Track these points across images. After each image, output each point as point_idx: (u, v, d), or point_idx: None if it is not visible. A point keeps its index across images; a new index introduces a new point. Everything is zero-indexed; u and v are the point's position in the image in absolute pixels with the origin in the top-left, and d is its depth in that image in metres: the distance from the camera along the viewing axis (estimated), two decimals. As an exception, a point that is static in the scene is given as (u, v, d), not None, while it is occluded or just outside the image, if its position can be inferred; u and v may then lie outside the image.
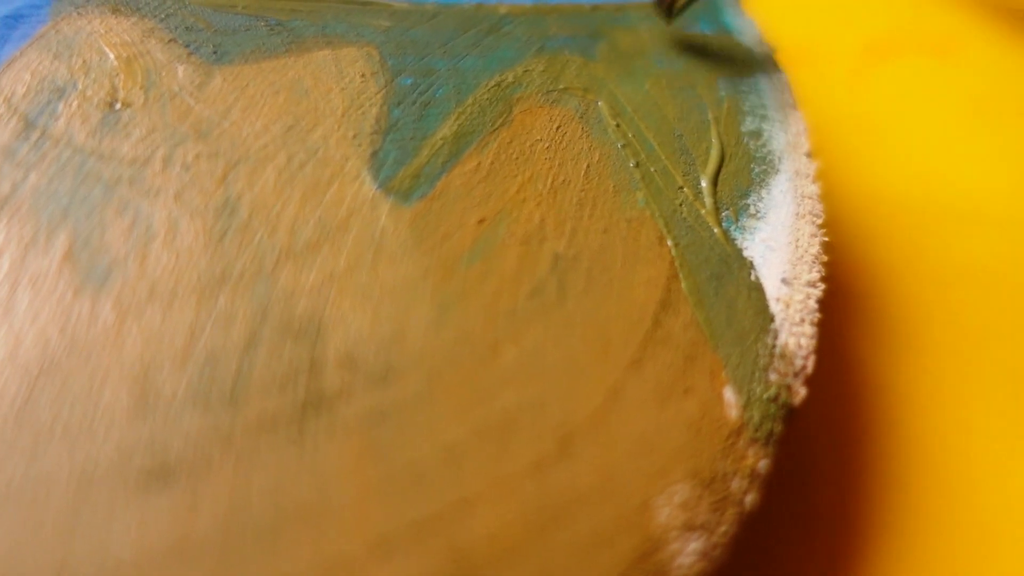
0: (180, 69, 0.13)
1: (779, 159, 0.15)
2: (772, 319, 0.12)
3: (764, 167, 0.14)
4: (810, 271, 0.13)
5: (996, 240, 0.18)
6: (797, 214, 0.14)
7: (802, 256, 0.13)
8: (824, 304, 0.13)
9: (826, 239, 0.14)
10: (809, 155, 0.15)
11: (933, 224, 0.18)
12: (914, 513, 0.14)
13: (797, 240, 0.13)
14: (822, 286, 0.13)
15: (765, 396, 0.12)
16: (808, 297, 0.13)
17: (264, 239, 0.11)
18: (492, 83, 0.14)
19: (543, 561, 0.10)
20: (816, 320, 0.13)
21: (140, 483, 0.09)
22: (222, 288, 0.11)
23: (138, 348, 0.10)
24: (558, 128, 0.14)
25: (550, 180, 0.13)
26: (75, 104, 0.12)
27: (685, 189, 0.13)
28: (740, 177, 0.14)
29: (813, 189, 0.14)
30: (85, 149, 0.11)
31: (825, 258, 0.13)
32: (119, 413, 0.09)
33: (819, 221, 0.14)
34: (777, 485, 0.12)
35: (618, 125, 0.14)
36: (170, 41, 0.13)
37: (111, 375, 0.10)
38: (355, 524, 0.09)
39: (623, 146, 0.14)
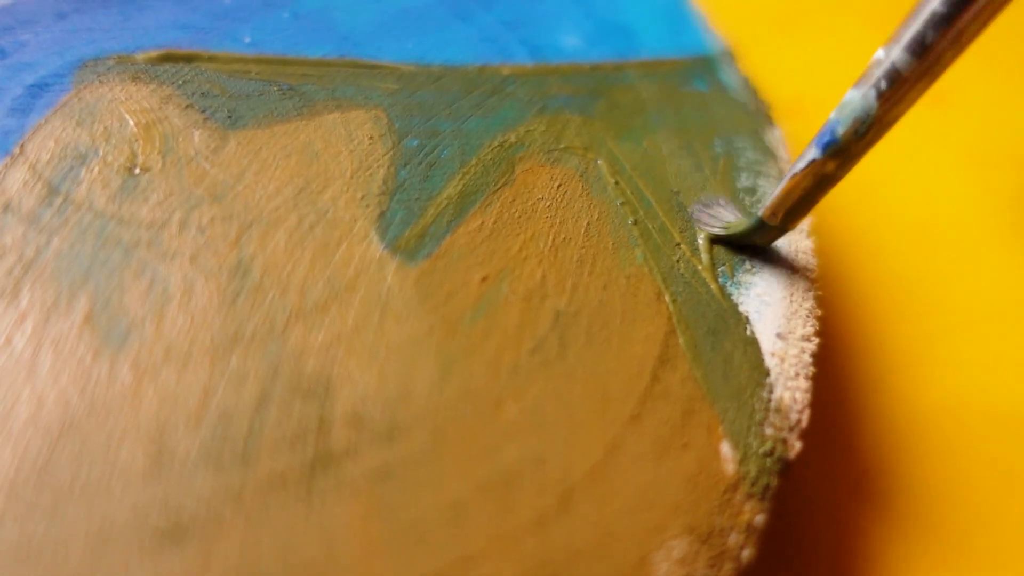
0: (196, 134, 0.13)
1: (774, 214, 0.15)
2: (767, 373, 0.13)
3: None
4: (804, 325, 0.13)
5: (987, 288, 0.18)
6: (791, 269, 0.14)
7: (796, 311, 0.14)
8: (818, 357, 0.13)
9: (820, 293, 0.14)
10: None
11: (926, 276, 0.18)
12: (911, 564, 0.14)
13: (791, 295, 0.14)
14: (816, 340, 0.13)
15: (761, 450, 0.12)
16: (803, 351, 0.13)
17: (275, 300, 0.12)
18: (495, 143, 0.15)
19: (544, 617, 0.10)
20: (810, 374, 0.13)
21: (154, 542, 0.09)
22: (235, 348, 0.11)
23: (154, 408, 0.10)
24: (559, 187, 0.14)
25: (551, 238, 0.13)
26: (96, 170, 0.12)
27: (682, 245, 0.14)
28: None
29: (807, 244, 0.15)
30: (105, 213, 0.12)
31: (819, 312, 0.14)
32: (135, 473, 0.10)
33: (813, 275, 0.14)
34: (773, 538, 0.12)
35: (617, 183, 0.14)
36: (187, 107, 0.14)
37: (128, 435, 0.10)
38: (360, 580, 0.10)
39: (622, 204, 0.14)
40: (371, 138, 0.14)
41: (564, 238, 0.13)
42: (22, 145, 0.12)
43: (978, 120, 0.22)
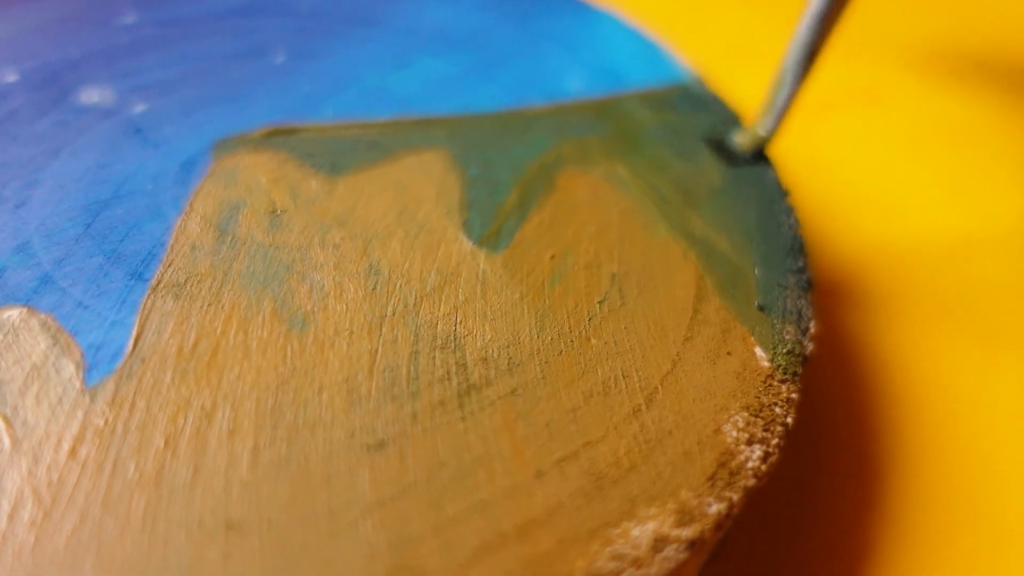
0: (313, 182, 0.17)
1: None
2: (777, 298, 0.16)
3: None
4: (796, 261, 0.17)
5: (925, 252, 0.22)
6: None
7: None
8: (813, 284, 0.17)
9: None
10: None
11: (873, 239, 0.23)
12: (908, 428, 0.18)
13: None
14: (807, 272, 0.17)
15: (784, 350, 0.16)
16: (799, 280, 0.17)
17: (403, 287, 0.15)
18: (536, 163, 0.19)
19: (653, 473, 0.13)
20: (809, 296, 0.17)
21: (364, 452, 0.13)
22: (383, 323, 0.15)
23: (338, 367, 0.14)
24: (592, 189, 0.18)
25: (595, 224, 0.17)
26: (249, 215, 0.16)
27: (692, 218, 0.18)
28: (730, 203, 0.18)
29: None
30: (264, 243, 0.16)
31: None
32: (338, 410, 0.13)
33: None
34: (804, 416, 0.16)
35: (635, 182, 0.18)
36: (300, 165, 0.17)
37: (325, 386, 0.13)
38: (516, 463, 0.13)
39: (641, 196, 0.18)
40: (442, 171, 0.18)
41: (604, 223, 0.17)
42: (191, 203, 0.16)
43: (907, 112, 0.27)
